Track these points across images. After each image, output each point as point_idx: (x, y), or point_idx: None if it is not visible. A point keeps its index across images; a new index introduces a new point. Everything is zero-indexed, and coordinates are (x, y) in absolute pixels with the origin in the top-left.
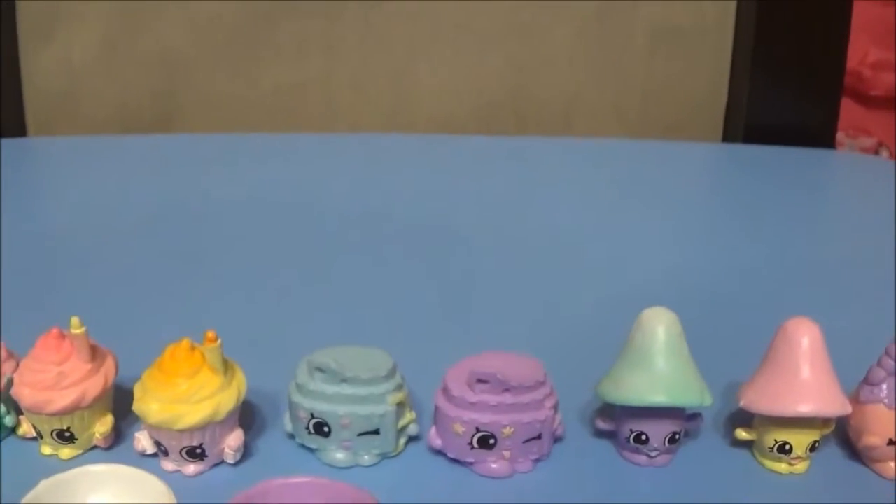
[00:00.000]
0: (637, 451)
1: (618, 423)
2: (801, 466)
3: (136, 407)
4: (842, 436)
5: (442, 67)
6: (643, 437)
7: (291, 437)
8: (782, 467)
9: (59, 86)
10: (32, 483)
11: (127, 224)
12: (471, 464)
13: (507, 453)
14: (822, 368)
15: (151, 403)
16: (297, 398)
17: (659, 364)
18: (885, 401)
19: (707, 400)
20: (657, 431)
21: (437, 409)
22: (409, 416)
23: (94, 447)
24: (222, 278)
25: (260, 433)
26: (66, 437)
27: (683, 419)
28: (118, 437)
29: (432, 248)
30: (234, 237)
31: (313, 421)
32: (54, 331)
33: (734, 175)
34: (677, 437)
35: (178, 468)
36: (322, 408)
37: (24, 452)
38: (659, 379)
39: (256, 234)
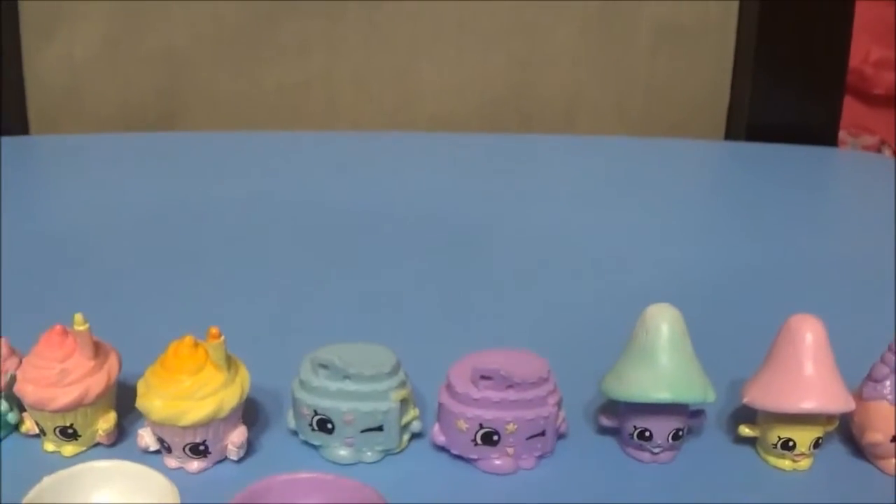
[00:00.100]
0: (641, 448)
1: (621, 419)
2: (804, 463)
3: (140, 403)
4: (845, 432)
5: (445, 66)
6: (647, 434)
7: (295, 433)
8: (786, 464)
9: (62, 83)
10: (35, 480)
11: (130, 221)
12: (474, 460)
13: (510, 450)
14: (825, 365)
15: (155, 400)
16: (301, 395)
17: (663, 361)
18: (889, 397)
19: (710, 396)
20: (661, 428)
21: (440, 405)
22: (412, 412)
23: (97, 444)
24: (225, 275)
25: (263, 430)
26: (69, 434)
27: (687, 416)
28: (121, 433)
29: (436, 246)
30: (237, 235)
31: (317, 417)
32: (57, 328)
33: (737, 173)
34: (681, 433)
35: (182, 465)
36: (325, 404)
37: (27, 449)
38: (663, 376)
39: (260, 231)
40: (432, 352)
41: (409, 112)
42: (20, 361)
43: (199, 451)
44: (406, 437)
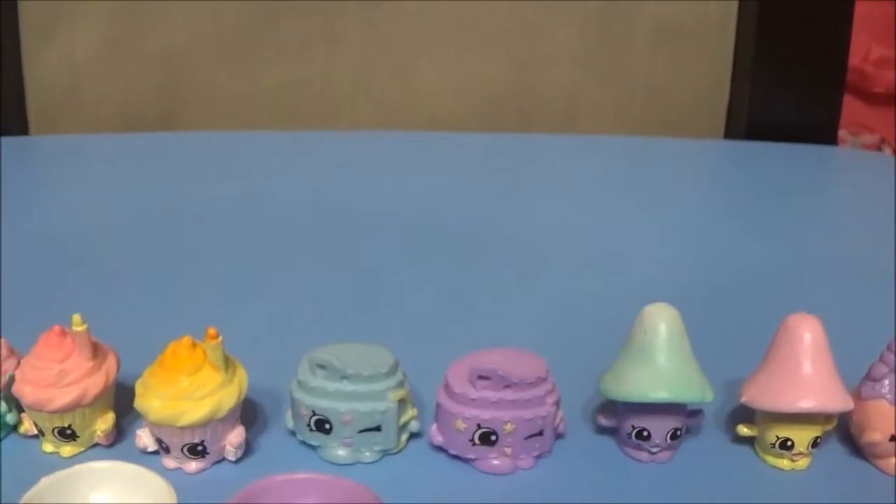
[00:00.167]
0: (639, 448)
1: (619, 419)
2: (802, 462)
3: (138, 404)
4: (844, 432)
5: (444, 65)
6: (645, 434)
7: (293, 434)
8: (784, 463)
9: (62, 83)
10: (34, 481)
11: (129, 221)
12: (472, 460)
13: (508, 450)
14: (823, 364)
15: (153, 400)
16: (299, 395)
17: (660, 360)
18: (888, 397)
19: (708, 396)
20: (659, 428)
21: (438, 405)
22: (410, 412)
23: (96, 445)
24: (225, 275)
25: (262, 430)
26: (67, 434)
27: (685, 415)
28: (120, 434)
29: (435, 245)
30: (236, 234)
31: (315, 418)
32: (56, 328)
33: (736, 172)
34: (679, 433)
35: (180, 465)
36: (323, 404)
37: (26, 450)
38: (660, 375)
39: (259, 231)
40: (431, 351)
41: (408, 111)
42: (19, 362)
43: (197, 451)
44: (404, 437)
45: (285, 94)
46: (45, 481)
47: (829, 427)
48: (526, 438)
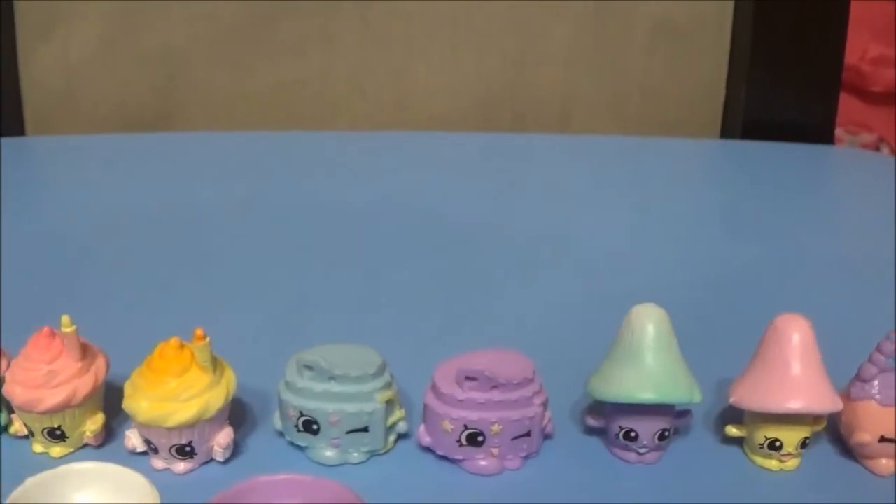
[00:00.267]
0: (627, 448)
1: (607, 420)
2: (791, 463)
3: (126, 405)
4: (834, 432)
5: (439, 65)
6: (633, 434)
7: (281, 434)
8: (773, 464)
9: (58, 84)
10: (23, 481)
11: (123, 222)
12: (460, 461)
13: (495, 450)
14: (812, 365)
15: (141, 401)
16: (287, 396)
17: (648, 361)
18: (877, 397)
19: (696, 397)
20: (647, 428)
21: (425, 406)
22: (398, 413)
23: (86, 445)
24: (218, 276)
25: (250, 431)
26: (57, 435)
27: (673, 416)
28: (109, 435)
29: (429, 246)
30: (230, 235)
31: (302, 419)
32: (45, 329)
33: (732, 171)
34: (667, 433)
35: (168, 466)
36: (311, 405)
37: (16, 450)
38: (648, 376)
39: (253, 231)
40: (422, 352)
41: (404, 111)
42: (9, 363)
43: (185, 452)
44: (392, 437)
45: (281, 94)
46: (30, 482)
47: (819, 428)
48: (513, 439)
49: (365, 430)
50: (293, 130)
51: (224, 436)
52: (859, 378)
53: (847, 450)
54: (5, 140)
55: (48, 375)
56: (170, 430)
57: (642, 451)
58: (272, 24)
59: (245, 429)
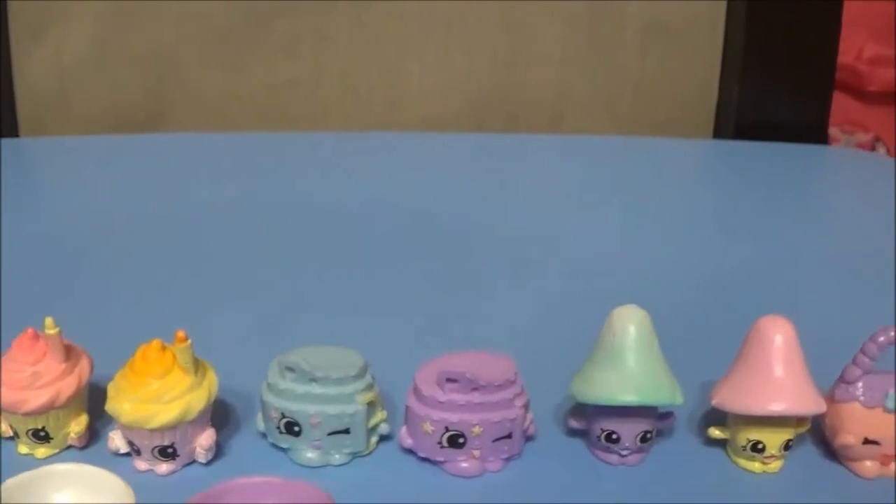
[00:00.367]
0: (608, 450)
1: (589, 422)
2: (774, 465)
3: (109, 406)
4: (818, 434)
5: (433, 65)
6: (614, 436)
7: (264, 436)
8: (756, 466)
9: (51, 85)
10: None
11: (114, 223)
12: (441, 463)
13: (477, 452)
14: (795, 367)
15: (123, 403)
16: (269, 398)
17: (630, 363)
18: (861, 399)
19: (678, 399)
20: (628, 430)
21: (407, 408)
22: (379, 415)
23: (70, 446)
24: (206, 277)
25: (234, 432)
26: (41, 436)
27: (655, 418)
28: (93, 436)
29: (419, 247)
30: (221, 236)
31: (284, 420)
32: (29, 331)
33: (725, 172)
34: (649, 436)
35: (151, 467)
36: (292, 407)
37: (3, 452)
38: (629, 378)
39: (241, 232)
40: (407, 353)
41: (397, 111)
42: None
43: (167, 453)
44: (374, 439)
45: (274, 94)
46: (10, 482)
47: (803, 430)
48: (494, 441)
49: (346, 431)
50: (286, 131)
51: (206, 437)
52: (843, 380)
53: (831, 452)
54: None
55: (32, 377)
56: (152, 431)
57: (624, 452)
58: (265, 23)
59: (228, 430)
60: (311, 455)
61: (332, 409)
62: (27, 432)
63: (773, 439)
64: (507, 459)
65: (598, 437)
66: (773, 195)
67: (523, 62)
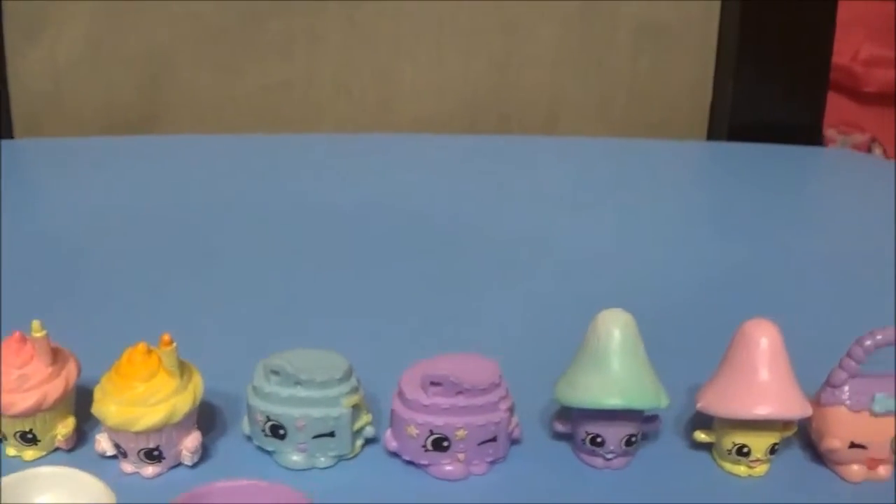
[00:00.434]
0: (593, 454)
1: (574, 425)
2: (760, 469)
3: (95, 409)
4: (806, 438)
5: (425, 66)
6: (599, 440)
7: (250, 439)
8: (741, 470)
9: (45, 86)
10: None
11: (104, 225)
12: (426, 466)
13: (461, 455)
14: (780, 370)
15: (109, 406)
16: (254, 401)
17: (614, 366)
18: (847, 403)
19: (663, 402)
20: (613, 434)
21: (392, 411)
22: (364, 418)
23: (58, 449)
24: (197, 279)
25: (220, 435)
26: (28, 438)
27: (640, 421)
28: (81, 438)
29: (412, 249)
30: (210, 238)
31: (269, 423)
32: (16, 334)
33: (719, 174)
34: (634, 439)
35: (137, 470)
36: (277, 410)
37: None
38: (614, 381)
39: (232, 235)
40: (396, 356)
41: (389, 113)
42: None
43: (153, 456)
44: (359, 442)
45: (267, 95)
46: None
47: (789, 433)
48: (479, 444)
49: (331, 434)
50: (279, 131)
51: (192, 440)
52: (829, 383)
53: (818, 455)
54: None
55: (19, 380)
56: (137, 434)
57: (609, 456)
58: (259, 24)
59: (215, 433)
60: (296, 458)
61: (316, 413)
62: (15, 434)
63: (759, 443)
64: (492, 463)
65: (583, 440)
66: (766, 197)
67: (516, 63)
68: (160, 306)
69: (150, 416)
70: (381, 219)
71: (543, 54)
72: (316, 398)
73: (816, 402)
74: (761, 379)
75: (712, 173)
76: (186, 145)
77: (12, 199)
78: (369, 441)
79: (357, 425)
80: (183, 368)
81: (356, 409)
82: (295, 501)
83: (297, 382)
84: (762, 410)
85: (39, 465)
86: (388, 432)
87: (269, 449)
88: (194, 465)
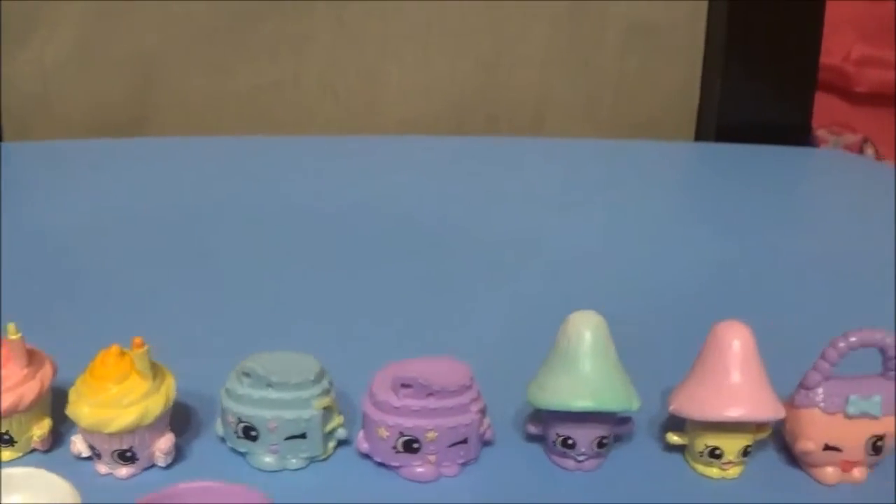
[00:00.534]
0: (565, 456)
1: (545, 427)
2: (733, 471)
3: (69, 411)
4: (781, 440)
5: (413, 67)
6: (570, 442)
7: (223, 440)
8: (714, 472)
9: (35, 88)
10: None
11: (85, 227)
12: (397, 468)
13: (432, 457)
14: (753, 372)
15: (83, 407)
16: (227, 403)
17: (585, 368)
18: (821, 405)
19: (634, 404)
20: (584, 436)
21: (363, 413)
22: (337, 420)
23: (34, 450)
24: (177, 281)
25: (195, 436)
26: (5, 440)
27: (612, 423)
28: (58, 440)
29: (397, 251)
30: (193, 240)
31: (241, 425)
32: None
33: (706, 175)
34: (605, 441)
35: (111, 471)
36: (249, 412)
37: None
38: (584, 383)
39: (215, 237)
40: (374, 358)
41: (377, 114)
42: None
43: (126, 457)
44: (331, 444)
45: (258, 96)
46: None
47: (763, 435)
48: (450, 446)
49: (303, 436)
50: (268, 133)
51: (164, 441)
52: (803, 385)
53: (793, 458)
54: None
55: None
56: (111, 435)
57: (580, 458)
58: (248, 26)
59: (189, 434)
60: (268, 459)
61: (288, 414)
62: None
63: (731, 445)
64: (464, 464)
65: (554, 442)
66: (755, 198)
67: (504, 64)
68: (140, 308)
69: (122, 418)
70: (367, 220)
71: (531, 55)
72: (287, 400)
73: (791, 404)
74: (733, 381)
75: (700, 174)
76: (174, 147)
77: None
78: (342, 443)
79: (329, 427)
80: (156, 370)
81: (328, 411)
82: (255, 502)
83: (269, 384)
84: (733, 412)
85: (15, 466)
86: (360, 434)
87: (242, 450)
88: (168, 467)
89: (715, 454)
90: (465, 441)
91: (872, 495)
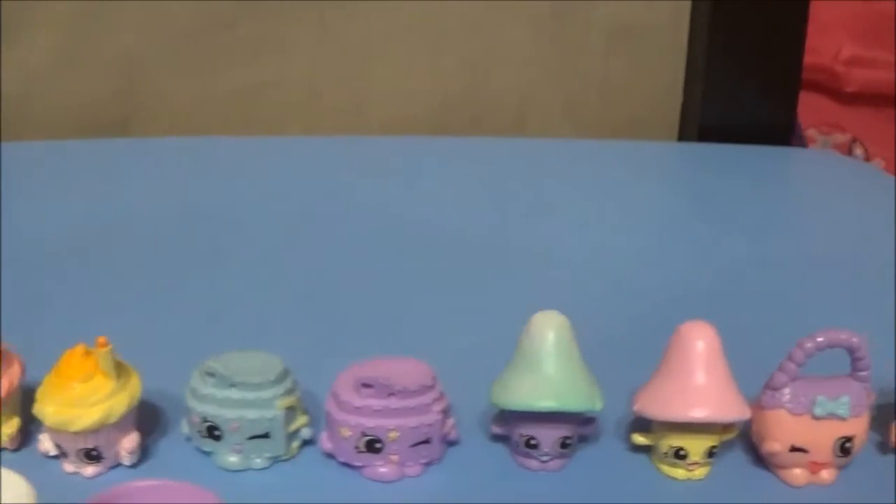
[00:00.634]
0: (529, 456)
1: (510, 427)
2: (699, 472)
3: (36, 409)
4: (748, 441)
5: (396, 68)
6: (533, 442)
7: (189, 439)
8: (679, 473)
9: (16, 89)
10: None
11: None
12: (359, 468)
13: (395, 457)
14: (717, 372)
15: (48, 406)
16: (192, 402)
17: (548, 369)
18: (788, 406)
19: (597, 405)
20: (547, 436)
21: (326, 412)
22: (301, 419)
23: (3, 449)
24: (151, 281)
25: (162, 435)
26: None
27: (576, 424)
28: (27, 438)
29: (375, 252)
30: (172, 241)
31: (206, 424)
32: None
33: (690, 175)
34: (569, 441)
35: (78, 470)
36: (213, 412)
37: None
38: (547, 383)
39: (194, 237)
40: (342, 358)
41: (360, 115)
42: None
43: (92, 456)
44: (295, 444)
45: (239, 98)
46: None
47: (729, 437)
48: (412, 446)
49: (266, 436)
50: (251, 134)
51: (129, 440)
52: (769, 386)
53: (760, 459)
54: None
55: None
56: (76, 434)
57: (544, 458)
58: (231, 27)
59: (156, 433)
60: (232, 459)
61: (251, 414)
62: None
63: (696, 446)
64: (427, 464)
65: (518, 442)
66: (740, 198)
67: (487, 65)
68: (112, 308)
69: (86, 417)
70: (348, 221)
71: (514, 55)
72: (250, 400)
73: (758, 405)
74: (697, 382)
75: (683, 175)
76: (157, 148)
77: None
78: (307, 442)
79: (293, 427)
80: (121, 370)
81: (291, 410)
82: (204, 501)
83: (232, 384)
84: (698, 413)
85: None
86: (324, 434)
87: (207, 450)
88: (134, 465)
89: (679, 455)
90: (427, 441)
91: (840, 496)
